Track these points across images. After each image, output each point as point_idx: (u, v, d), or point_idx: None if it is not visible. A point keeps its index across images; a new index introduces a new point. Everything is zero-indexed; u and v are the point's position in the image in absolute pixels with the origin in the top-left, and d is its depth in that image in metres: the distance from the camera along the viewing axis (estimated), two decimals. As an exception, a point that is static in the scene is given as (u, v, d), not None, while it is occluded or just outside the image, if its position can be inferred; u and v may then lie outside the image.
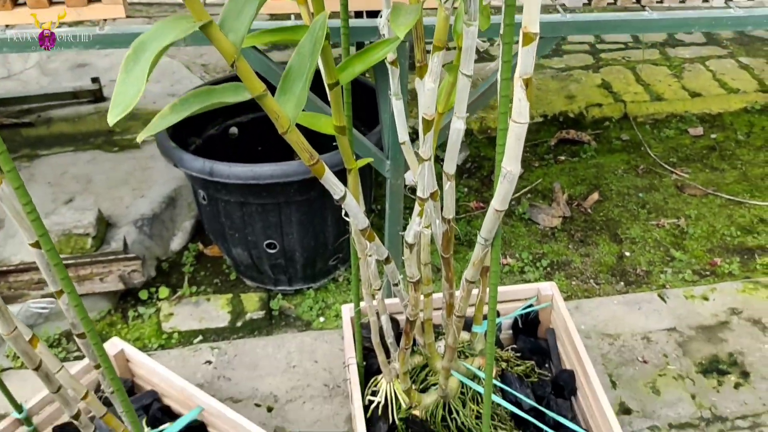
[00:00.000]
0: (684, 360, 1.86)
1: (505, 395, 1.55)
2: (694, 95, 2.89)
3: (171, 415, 1.58)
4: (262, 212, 1.85)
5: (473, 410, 1.49)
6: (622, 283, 2.12)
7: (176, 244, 2.23)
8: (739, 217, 2.34)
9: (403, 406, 1.51)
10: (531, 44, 0.87)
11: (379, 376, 1.58)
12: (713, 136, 2.74)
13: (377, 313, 1.48)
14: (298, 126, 1.08)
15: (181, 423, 1.49)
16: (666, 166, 2.58)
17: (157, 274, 2.14)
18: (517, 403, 1.53)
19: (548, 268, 2.18)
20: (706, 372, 1.83)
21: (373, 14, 1.53)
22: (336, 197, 1.12)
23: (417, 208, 1.19)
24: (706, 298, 2.03)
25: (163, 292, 2.05)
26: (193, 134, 2.09)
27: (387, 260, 1.31)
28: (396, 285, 1.38)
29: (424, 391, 1.53)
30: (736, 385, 1.80)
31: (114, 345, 1.62)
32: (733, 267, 2.15)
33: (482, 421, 1.33)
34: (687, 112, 2.83)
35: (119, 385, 1.06)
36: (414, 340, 1.54)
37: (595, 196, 2.43)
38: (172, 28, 0.84)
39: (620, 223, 2.34)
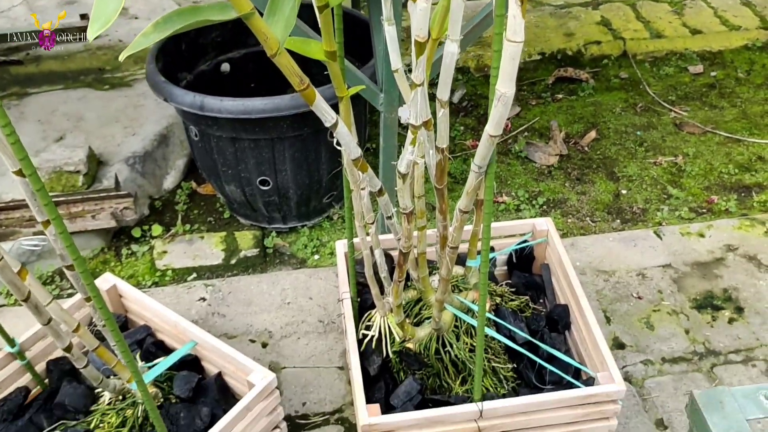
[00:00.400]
0: (678, 296, 1.86)
1: (499, 329, 1.55)
2: (695, 32, 2.84)
3: (165, 350, 1.58)
4: (254, 148, 1.82)
5: (467, 343, 1.49)
6: (618, 221, 2.11)
7: (169, 182, 2.21)
8: (737, 155, 2.32)
9: (397, 339, 1.51)
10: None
11: (373, 311, 1.57)
12: (713, 73, 2.70)
13: (371, 248, 1.47)
14: (290, 53, 1.05)
15: (174, 357, 1.49)
16: (665, 104, 2.55)
17: (150, 213, 2.13)
18: (511, 337, 1.53)
19: (544, 206, 2.16)
20: (701, 307, 1.83)
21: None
22: (327, 124, 1.10)
23: (410, 136, 1.16)
24: (702, 235, 2.02)
25: (156, 230, 2.04)
26: (183, 70, 2.05)
27: (380, 192, 1.29)
28: (389, 218, 1.36)
29: (418, 324, 1.52)
30: (730, 320, 1.80)
31: (106, 280, 1.62)
32: (730, 204, 2.13)
33: (475, 353, 1.33)
34: (687, 49, 2.78)
35: (108, 314, 1.05)
36: (408, 274, 1.53)
37: (593, 134, 2.40)
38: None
39: (617, 161, 2.32)
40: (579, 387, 1.42)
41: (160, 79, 1.81)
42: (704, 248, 1.99)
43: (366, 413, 1.34)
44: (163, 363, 1.48)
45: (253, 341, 1.77)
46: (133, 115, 2.28)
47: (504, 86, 0.93)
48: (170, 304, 1.85)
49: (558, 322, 1.61)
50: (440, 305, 1.38)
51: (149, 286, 1.92)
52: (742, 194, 2.19)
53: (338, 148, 1.16)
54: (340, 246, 1.64)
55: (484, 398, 1.40)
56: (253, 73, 2.20)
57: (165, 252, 2.00)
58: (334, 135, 1.13)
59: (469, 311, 1.48)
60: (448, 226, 1.35)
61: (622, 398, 1.41)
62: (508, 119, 2.48)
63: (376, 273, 1.55)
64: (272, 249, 2.03)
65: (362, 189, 1.36)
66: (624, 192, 2.21)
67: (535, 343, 1.51)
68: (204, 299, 1.87)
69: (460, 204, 1.18)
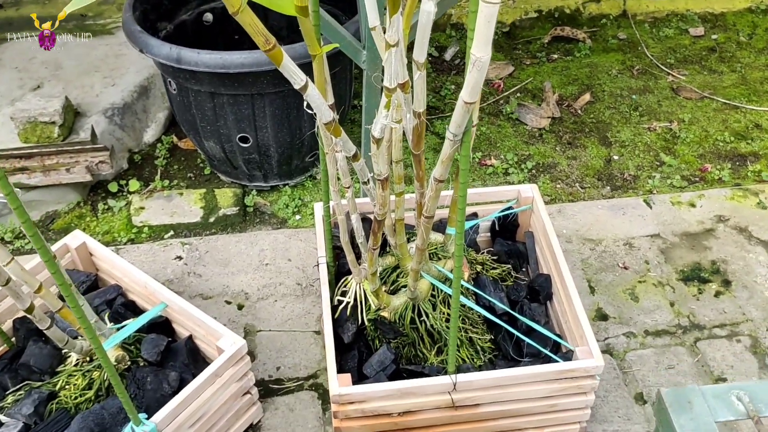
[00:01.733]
0: (665, 267, 1.82)
1: (478, 299, 1.51)
2: (698, -7, 2.75)
3: (135, 311, 1.55)
4: (233, 104, 1.76)
5: (444, 313, 1.45)
6: (608, 188, 2.06)
7: (149, 136, 2.15)
8: (734, 122, 2.26)
9: (373, 307, 1.48)
10: None
11: (350, 277, 1.53)
12: (714, 36, 2.62)
13: (347, 213, 1.42)
14: (256, 7, 0.98)
15: (143, 319, 1.45)
16: (663, 67, 2.48)
17: (128, 167, 2.07)
18: (490, 308, 1.49)
19: (533, 171, 2.11)
20: (687, 280, 1.79)
21: None
22: (296, 86, 1.04)
23: (384, 99, 1.11)
24: (693, 205, 1.97)
25: (134, 185, 1.98)
26: (163, 19, 1.97)
27: (355, 157, 1.24)
28: (365, 183, 1.31)
29: (394, 293, 1.48)
30: (717, 294, 1.76)
31: (75, 237, 1.57)
32: (723, 173, 2.08)
33: (450, 323, 1.30)
34: (689, 10, 2.70)
35: (62, 279, 1.00)
36: (386, 241, 1.49)
37: (587, 96, 2.34)
38: None
39: (611, 125, 2.26)
40: (557, 361, 1.38)
41: (136, 29, 1.74)
42: (694, 218, 1.94)
43: (336, 383, 1.31)
44: (132, 325, 1.44)
45: (228, 303, 1.74)
46: (114, 65, 2.21)
47: (479, 50, 0.87)
48: (146, 263, 1.81)
49: (539, 292, 1.57)
50: (416, 274, 1.34)
51: (125, 243, 1.87)
52: (737, 163, 2.14)
53: (309, 111, 1.10)
54: (318, 209, 1.59)
55: (459, 370, 1.36)
56: (237, 24, 2.12)
57: (142, 208, 1.95)
58: (305, 98, 1.07)
59: (446, 280, 1.44)
60: (425, 192, 1.30)
61: (600, 373, 1.38)
62: (500, 79, 2.41)
63: (353, 238, 1.50)
64: (252, 208, 1.98)
65: (337, 152, 1.31)
66: (616, 158, 2.16)
67: (515, 315, 1.48)
68: (180, 258, 1.83)
69: (435, 172, 1.12)
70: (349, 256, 1.43)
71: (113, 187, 1.97)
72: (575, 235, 1.90)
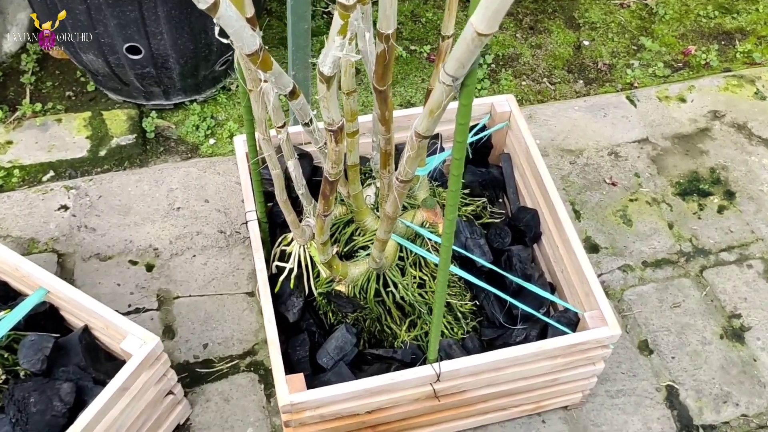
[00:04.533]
0: (659, 180, 1.53)
1: (455, 255, 1.20)
2: None
3: (8, 297, 1.18)
4: (114, 5, 1.33)
5: (415, 278, 1.13)
6: (581, 82, 1.74)
7: (10, 44, 1.69)
8: (716, -7, 1.94)
9: (323, 276, 1.15)
10: None
11: (290, 235, 1.19)
12: None
13: (280, 161, 1.07)
14: None
15: (17, 314, 1.09)
16: (629, -73, 2.10)
17: (-13, 87, 1.62)
18: (471, 264, 1.18)
19: (492, 65, 1.76)
20: (685, 194, 1.52)
21: None
22: (201, 6, 0.66)
23: (338, 21, 0.73)
24: (682, 99, 1.68)
25: (-4, 113, 1.55)
26: None
27: (293, 94, 0.87)
28: (307, 125, 0.95)
29: (350, 257, 1.15)
30: (720, 209, 1.50)
31: None
32: (710, 56, 1.78)
33: (435, 292, 0.98)
34: None
35: None
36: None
37: (547, -33, 1.96)
38: None
39: (577, 2, 1.91)
40: (560, 330, 1.10)
41: None
42: (686, 116, 1.65)
43: (286, 388, 0.99)
44: (8, 318, 1.08)
45: (134, 263, 1.38)
46: None
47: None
48: (20, 217, 1.42)
49: (525, 233, 1.27)
50: (383, 245, 1.00)
51: (-9, 192, 1.47)
52: (723, 42, 1.84)
53: (223, 40, 0.72)
54: (240, 144, 1.22)
55: (439, 351, 1.07)
56: None
57: (10, 142, 1.53)
58: (215, 20, 0.69)
59: (416, 237, 1.12)
60: (392, 138, 0.95)
61: (614, 342, 1.10)
62: (443, -51, 2.00)
63: (288, 189, 1.15)
64: (153, 133, 1.58)
65: (264, 82, 0.93)
66: (586, 43, 1.82)
67: (501, 273, 1.17)
68: (66, 208, 1.44)
69: (417, 126, 0.77)
70: (289, 217, 1.08)
71: (-32, 119, 1.54)
72: (551, 145, 1.58)
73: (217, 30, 0.72)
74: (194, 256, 1.39)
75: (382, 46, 0.78)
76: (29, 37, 1.70)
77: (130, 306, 1.32)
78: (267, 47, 0.75)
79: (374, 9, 0.90)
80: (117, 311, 1.07)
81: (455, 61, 0.64)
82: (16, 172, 1.49)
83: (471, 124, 1.30)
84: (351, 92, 0.90)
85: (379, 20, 0.76)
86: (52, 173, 1.50)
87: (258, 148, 1.11)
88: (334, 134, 0.84)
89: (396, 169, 0.87)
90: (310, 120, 0.92)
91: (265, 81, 0.90)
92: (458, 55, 0.63)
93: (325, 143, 0.90)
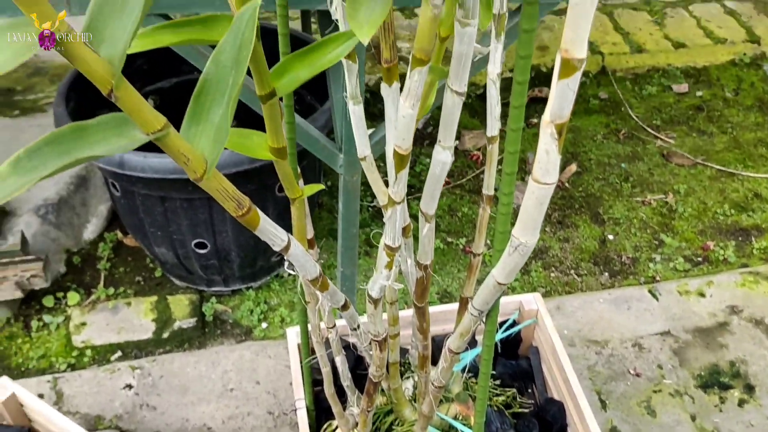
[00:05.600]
0: (681, 372, 1.63)
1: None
2: (678, 46, 2.60)
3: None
4: (188, 208, 1.53)
5: (448, 468, 1.23)
6: (606, 274, 1.87)
7: (90, 232, 1.89)
8: (731, 192, 2.10)
9: (365, 464, 1.25)
10: (573, 75, 0.56)
11: (334, 422, 1.31)
12: (699, 93, 2.47)
13: (330, 359, 1.20)
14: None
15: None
16: (650, 130, 2.31)
17: (67, 271, 1.81)
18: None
19: (531, 251, 1.90)
20: (707, 386, 1.60)
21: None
22: (276, 248, 0.82)
23: (384, 257, 0.89)
24: (702, 294, 1.79)
25: (73, 297, 1.72)
26: (102, 106, 1.73)
27: (344, 307, 1.02)
28: (355, 329, 1.09)
29: (388, 443, 1.26)
30: (740, 402, 1.58)
31: (4, 387, 1.31)
32: (728, 253, 1.91)
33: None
34: (670, 65, 2.55)
35: None
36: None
37: (573, 167, 2.15)
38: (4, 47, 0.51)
39: (602, 199, 2.07)
40: None
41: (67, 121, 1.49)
42: (705, 310, 1.76)
43: None
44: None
45: (189, 441, 1.49)
46: (48, 151, 1.95)
47: (525, 234, 0.66)
48: (90, 395, 1.55)
49: (552, 424, 1.37)
50: (418, 440, 1.11)
51: (64, 370, 1.61)
52: (740, 239, 1.97)
53: (291, 272, 0.88)
54: (293, 336, 1.36)
55: None
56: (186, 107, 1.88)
57: (84, 324, 1.69)
58: (286, 258, 0.85)
59: (451, 430, 1.22)
60: (429, 345, 1.08)
61: None
62: (478, 150, 2.21)
63: (336, 378, 1.28)
64: (212, 317, 1.73)
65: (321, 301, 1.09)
66: (611, 237, 1.97)
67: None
68: (130, 386, 1.57)
69: (451, 344, 0.90)
70: (335, 408, 1.20)
71: (49, 301, 1.71)
72: (578, 336, 1.70)
73: (286, 264, 0.87)
74: (244, 435, 1.50)
75: (420, 273, 0.93)
76: (106, 226, 1.91)
77: (183, 483, 1.42)
78: (317, 238, 0.90)
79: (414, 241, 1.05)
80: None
81: (480, 299, 0.78)
82: (88, 352, 1.64)
83: (501, 319, 1.44)
84: (393, 302, 1.05)
85: (419, 253, 0.91)
86: (119, 353, 1.65)
87: (309, 346, 1.24)
88: (379, 344, 0.97)
89: (432, 369, 0.99)
90: (358, 326, 1.06)
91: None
92: (483, 297, 0.77)
93: (370, 343, 1.03)
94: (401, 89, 0.83)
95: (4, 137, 2.00)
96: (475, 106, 2.41)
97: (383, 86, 0.84)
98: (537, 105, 2.40)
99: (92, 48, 0.55)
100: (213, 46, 0.69)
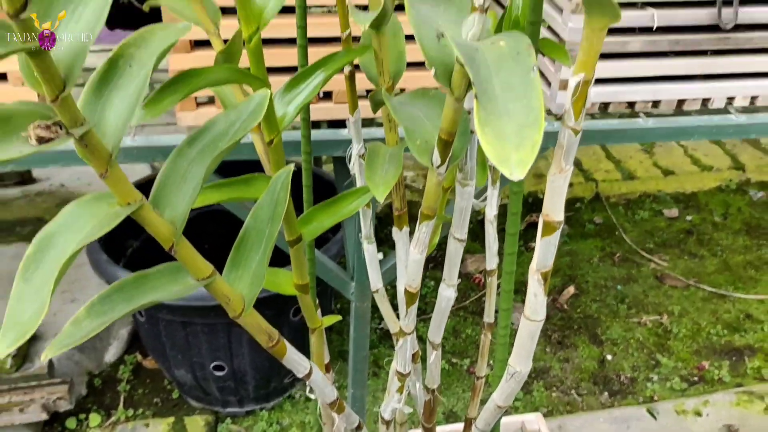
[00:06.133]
0: (681, 491, 1.68)
1: None
2: (667, 173, 2.76)
3: None
4: (208, 333, 1.63)
5: None
6: (606, 394, 1.94)
7: (111, 354, 1.98)
8: (724, 313, 2.19)
9: None
10: (552, 234, 0.68)
11: None
12: (689, 218, 2.61)
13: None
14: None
15: None
16: (643, 253, 2.43)
17: (88, 392, 1.89)
18: None
19: (525, 377, 1.98)
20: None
21: (335, 124, 1.34)
22: (300, 375, 0.92)
23: (395, 382, 0.99)
24: (698, 413, 1.86)
25: (95, 419, 1.80)
26: (129, 236, 1.86)
27: (358, 428, 1.11)
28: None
29: None
30: None
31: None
32: (722, 373, 1.99)
33: None
34: (660, 191, 2.70)
35: None
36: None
37: (571, 289, 2.26)
38: (90, 216, 0.63)
39: (599, 320, 2.17)
40: None
41: (102, 258, 1.62)
42: (702, 429, 1.82)
43: None
44: None
45: None
46: (73, 277, 2.07)
47: (519, 363, 0.76)
48: None
49: None
50: None
51: (84, 490, 1.67)
52: (734, 358, 2.05)
53: (312, 396, 0.98)
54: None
55: None
56: (210, 232, 2.02)
57: (103, 444, 1.76)
58: (307, 383, 0.94)
59: None
60: (437, 464, 1.16)
61: None
62: (480, 272, 2.33)
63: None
64: (227, 437, 1.80)
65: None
66: (609, 357, 2.05)
67: None
68: (147, 507, 1.63)
69: (456, 463, 0.99)
70: None
71: (71, 423, 1.78)
72: (580, 455, 1.76)
73: (308, 389, 0.97)
74: None
75: (428, 396, 1.02)
76: (126, 348, 2.00)
77: None
78: (330, 361, 1.00)
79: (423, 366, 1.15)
80: None
81: (483, 420, 0.87)
82: (107, 472, 1.71)
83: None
84: (403, 423, 1.13)
85: (427, 378, 1.01)
86: (137, 474, 1.71)
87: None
88: (390, 464, 1.05)
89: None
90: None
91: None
92: (485, 418, 0.87)
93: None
94: (410, 232, 0.96)
95: (33, 264, 2.12)
96: (476, 230, 2.54)
97: (394, 230, 0.97)
98: (534, 230, 2.53)
99: (158, 212, 0.68)
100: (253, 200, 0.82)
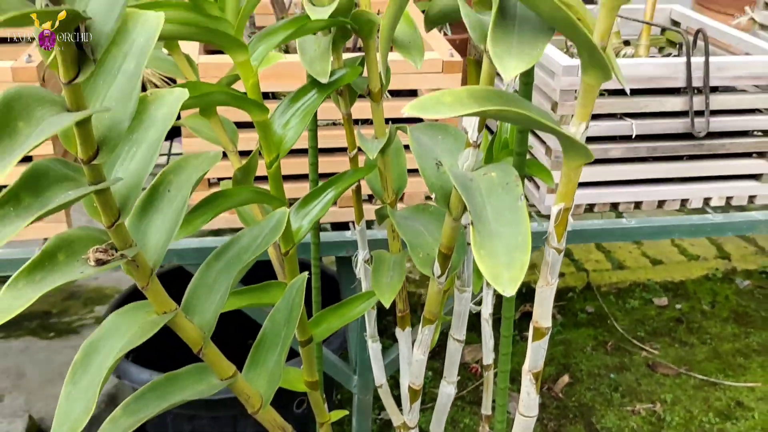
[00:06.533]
0: None
1: None
2: (655, 263, 2.85)
3: None
4: (214, 426, 1.67)
5: None
6: (602, 484, 1.98)
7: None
8: (715, 401, 2.24)
9: None
10: (542, 339, 0.76)
11: None
12: (678, 306, 2.68)
13: None
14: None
15: None
16: (635, 341, 2.49)
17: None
18: None
19: (523, 467, 2.02)
20: None
21: (338, 226, 1.43)
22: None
23: (399, 471, 1.04)
24: (694, 502, 1.89)
25: None
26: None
27: None
28: None
29: None
30: None
31: None
32: (716, 460, 2.03)
33: None
34: (650, 280, 2.78)
35: None
36: None
37: (566, 378, 2.31)
38: (130, 324, 0.71)
39: (594, 409, 2.21)
40: None
41: (113, 352, 1.67)
42: None
43: None
44: None
45: None
46: (79, 370, 2.12)
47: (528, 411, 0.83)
48: None
49: None
50: None
51: None
52: (727, 446, 2.09)
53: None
54: None
55: None
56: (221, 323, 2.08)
57: None
58: (315, 475, 1.00)
59: None
60: None
61: None
62: (477, 362, 2.38)
63: None
64: None
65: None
66: (605, 447, 2.09)
67: None
68: None
69: None
70: None
71: None
72: None
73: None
74: None
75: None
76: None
77: None
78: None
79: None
80: None
81: None
82: None
83: None
84: None
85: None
86: None
87: None
88: None
89: None
90: None
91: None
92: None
93: None
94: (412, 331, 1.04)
95: (40, 358, 2.17)
96: (472, 320, 2.60)
97: (398, 330, 1.04)
98: (528, 319, 2.60)
99: (188, 318, 0.76)
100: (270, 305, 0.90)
